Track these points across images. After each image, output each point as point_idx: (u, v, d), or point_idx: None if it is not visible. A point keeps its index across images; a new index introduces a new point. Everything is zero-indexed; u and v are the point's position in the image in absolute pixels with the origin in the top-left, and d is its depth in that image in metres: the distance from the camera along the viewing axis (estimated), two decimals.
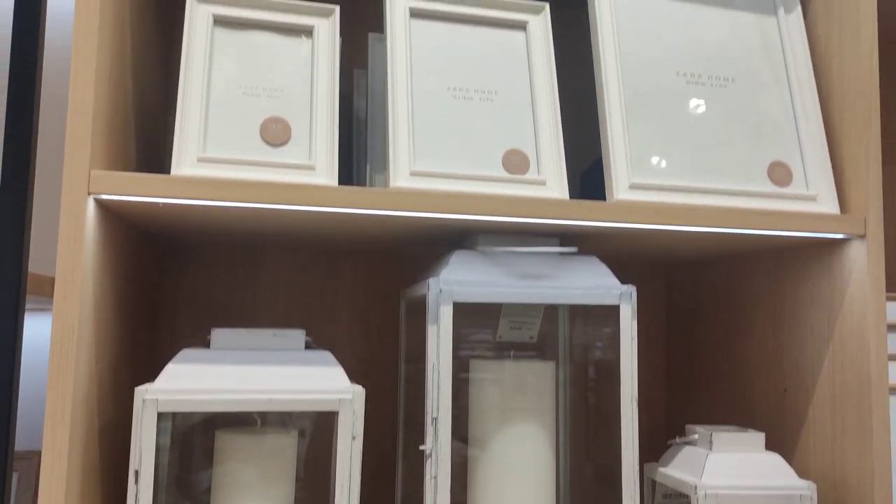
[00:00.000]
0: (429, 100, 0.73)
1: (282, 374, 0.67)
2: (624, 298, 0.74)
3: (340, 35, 0.76)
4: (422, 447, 0.68)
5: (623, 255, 1.01)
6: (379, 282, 1.01)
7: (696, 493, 0.74)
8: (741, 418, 0.93)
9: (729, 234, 0.77)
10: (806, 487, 0.76)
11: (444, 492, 0.67)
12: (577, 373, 0.86)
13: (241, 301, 0.98)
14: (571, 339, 0.87)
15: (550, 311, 0.87)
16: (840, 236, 0.77)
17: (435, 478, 0.67)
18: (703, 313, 1.02)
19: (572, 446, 0.85)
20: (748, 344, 0.93)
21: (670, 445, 0.84)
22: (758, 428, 0.90)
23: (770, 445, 0.87)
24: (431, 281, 0.70)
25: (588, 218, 0.72)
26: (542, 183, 0.73)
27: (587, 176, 0.96)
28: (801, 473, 0.83)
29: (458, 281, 0.71)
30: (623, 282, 1.08)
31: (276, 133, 0.68)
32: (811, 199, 0.79)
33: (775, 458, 0.78)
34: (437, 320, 0.70)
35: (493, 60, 0.77)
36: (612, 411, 0.75)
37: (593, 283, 0.75)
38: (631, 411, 0.73)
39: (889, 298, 1.00)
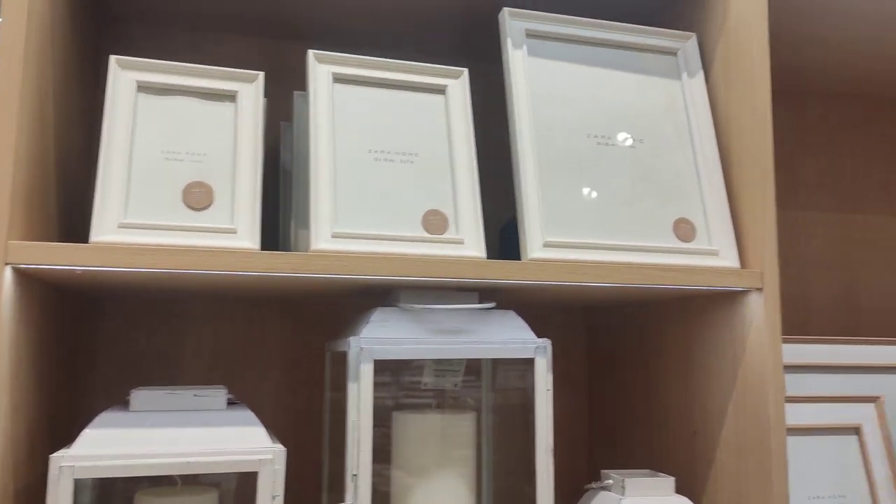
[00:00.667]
0: (351, 162, 0.76)
1: (202, 436, 0.68)
2: (539, 352, 0.77)
3: (266, 89, 0.78)
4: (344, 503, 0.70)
5: (544, 301, 1.05)
6: (307, 333, 1.02)
7: None
8: (657, 461, 0.97)
9: (638, 288, 0.82)
10: None
11: None
12: (498, 422, 0.89)
13: (166, 356, 0.98)
14: (493, 388, 0.90)
15: (473, 360, 0.90)
16: (739, 289, 0.83)
17: None
18: (621, 357, 1.06)
19: (494, 496, 0.88)
20: (661, 388, 0.97)
21: (587, 490, 0.87)
22: (671, 470, 0.94)
23: (682, 488, 0.91)
24: (352, 340, 0.72)
25: (503, 276, 0.75)
26: (461, 242, 0.76)
27: (506, 230, 0.99)
28: None
29: (378, 339, 0.73)
30: (543, 327, 1.12)
31: (198, 197, 0.70)
32: (713, 253, 0.84)
33: (684, 502, 0.82)
34: (357, 378, 0.71)
35: (413, 123, 0.80)
36: (532, 461, 0.78)
37: (510, 337, 0.78)
38: (546, 461, 0.76)
39: (786, 341, 1.06)
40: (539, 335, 1.13)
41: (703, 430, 0.89)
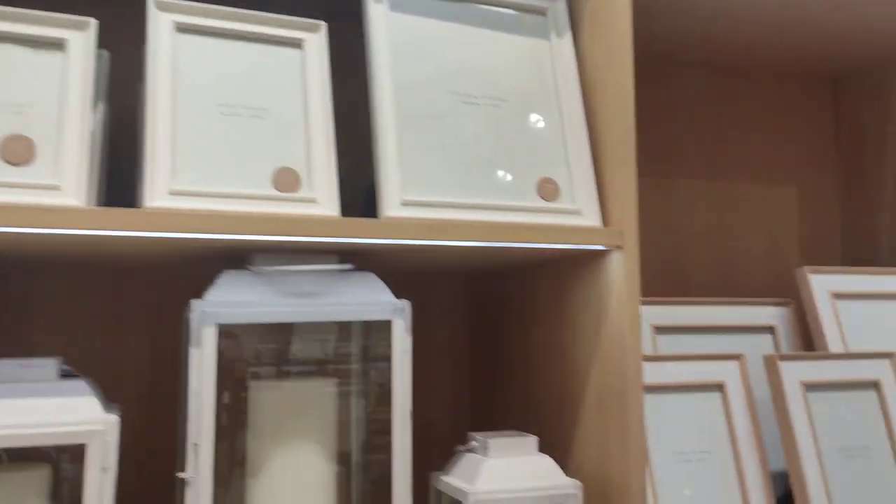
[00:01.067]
0: (194, 117, 0.72)
1: (28, 407, 0.63)
2: (397, 314, 0.75)
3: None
4: (181, 475, 0.66)
5: (421, 268, 1.03)
6: (168, 300, 0.98)
7: (467, 500, 0.76)
8: (531, 422, 0.97)
9: (500, 247, 0.81)
10: (572, 486, 0.80)
11: None
12: (363, 389, 0.87)
13: (18, 329, 0.92)
14: (361, 355, 0.88)
15: (344, 327, 0.87)
16: (601, 247, 0.83)
17: None
18: (501, 323, 1.06)
19: (356, 463, 0.86)
20: (536, 350, 0.97)
21: (455, 454, 0.86)
22: (543, 430, 0.94)
23: (551, 447, 0.91)
24: (194, 303, 0.69)
25: (358, 235, 0.72)
26: (313, 201, 0.73)
27: (369, 194, 0.97)
28: (576, 472, 0.88)
29: (223, 302, 0.70)
30: (426, 296, 1.11)
31: (17, 152, 0.65)
32: (576, 213, 0.83)
33: (545, 461, 0.82)
34: (199, 343, 0.68)
35: (266, 78, 0.76)
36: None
37: (367, 300, 0.76)
38: (403, 425, 0.75)
39: (662, 303, 1.08)
40: (422, 305, 1.13)
41: (571, 390, 0.90)
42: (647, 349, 1.04)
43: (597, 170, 0.87)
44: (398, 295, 1.11)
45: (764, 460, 0.93)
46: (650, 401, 0.92)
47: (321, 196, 0.74)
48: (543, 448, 0.94)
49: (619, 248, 0.82)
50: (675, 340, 1.06)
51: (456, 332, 1.13)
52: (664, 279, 1.24)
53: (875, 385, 0.97)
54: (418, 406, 1.10)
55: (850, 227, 1.36)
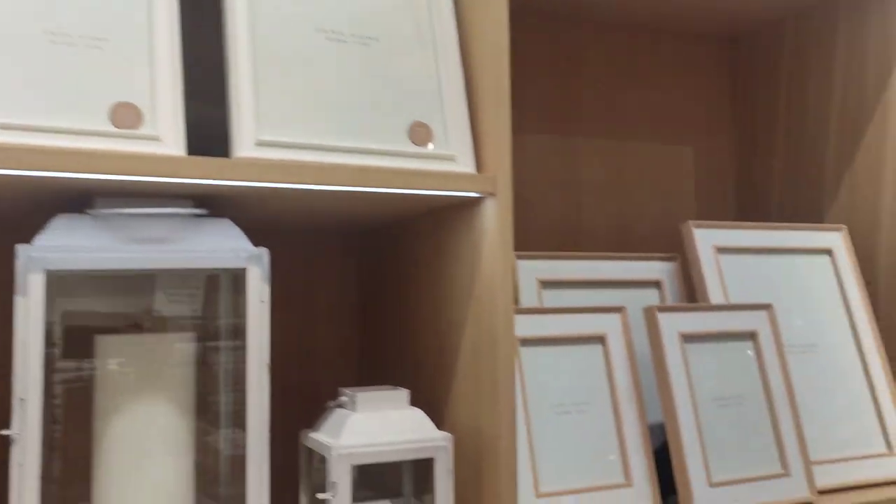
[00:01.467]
0: (18, 43, 0.65)
1: None
2: (253, 261, 0.71)
3: None
4: (6, 432, 0.61)
5: (302, 222, 0.98)
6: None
7: (330, 455, 0.73)
8: (411, 377, 0.95)
9: (368, 194, 0.77)
10: (442, 439, 0.78)
11: (32, 480, 0.61)
12: (220, 343, 0.82)
13: None
14: (223, 307, 0.83)
15: (201, 277, 0.82)
16: (474, 195, 0.80)
17: (21, 465, 0.61)
18: (386, 280, 1.03)
19: (211, 417, 0.82)
20: (416, 304, 0.94)
21: (326, 409, 0.83)
22: (422, 386, 0.92)
23: (429, 402, 0.89)
24: (20, 248, 0.63)
25: (206, 176, 0.68)
26: (156, 139, 0.68)
27: None
28: (451, 426, 0.86)
29: (52, 247, 0.64)
30: (308, 255, 1.06)
31: None
32: (449, 159, 0.80)
33: (416, 414, 0.80)
34: (25, 291, 0.62)
35: (105, 4, 0.70)
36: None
37: (220, 247, 0.71)
38: (260, 377, 0.71)
39: (549, 257, 1.06)
40: (307, 264, 1.08)
41: (448, 343, 0.87)
42: (533, 304, 1.02)
43: (472, 116, 0.83)
44: (280, 253, 1.07)
45: (642, 412, 0.93)
46: (530, 354, 0.91)
47: (165, 134, 0.68)
48: (422, 403, 0.91)
49: (491, 195, 0.79)
50: (561, 295, 1.04)
51: (343, 292, 1.10)
52: (560, 236, 1.23)
53: (752, 336, 0.98)
54: (303, 367, 1.07)
55: (743, 186, 1.38)
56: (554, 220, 1.24)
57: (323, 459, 0.78)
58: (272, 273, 1.06)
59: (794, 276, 1.09)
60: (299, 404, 1.03)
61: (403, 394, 0.80)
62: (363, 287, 1.09)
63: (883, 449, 1.04)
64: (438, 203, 0.85)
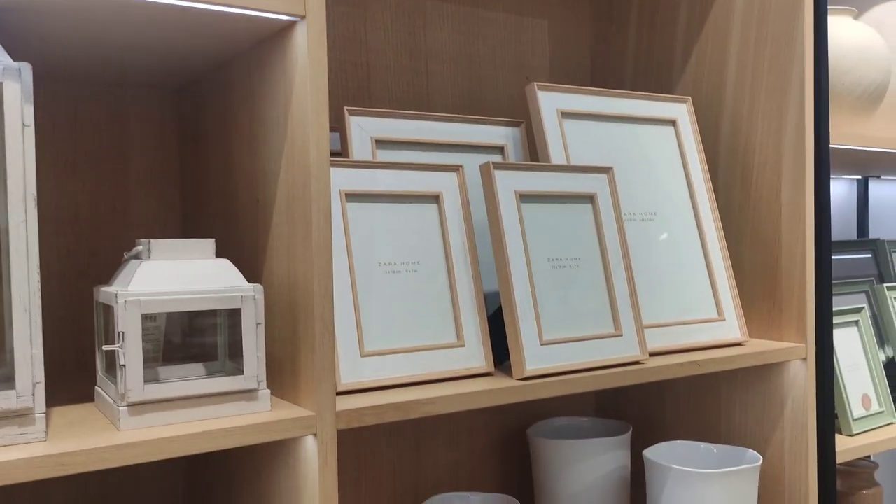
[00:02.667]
0: None
1: None
2: (8, 75, 0.61)
3: None
4: None
5: (113, 73, 0.87)
6: None
7: (116, 302, 0.65)
8: (231, 234, 0.87)
9: (157, 8, 0.67)
10: (250, 289, 0.72)
11: None
12: None
13: None
14: None
15: None
16: (283, 17, 0.71)
17: None
18: (209, 135, 0.93)
19: None
20: (238, 158, 0.86)
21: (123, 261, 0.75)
22: (238, 240, 0.85)
23: (248, 256, 0.82)
24: None
25: None
26: None
27: None
28: (267, 280, 0.79)
29: None
30: (122, 111, 0.95)
31: None
32: None
33: (222, 264, 0.73)
34: None
35: None
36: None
37: None
38: (24, 211, 0.61)
39: (391, 115, 0.99)
40: (125, 120, 0.97)
41: (264, 194, 0.80)
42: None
43: None
44: (90, 107, 0.95)
45: (477, 273, 0.89)
46: (359, 209, 0.85)
47: None
48: (240, 259, 0.84)
49: (302, 18, 0.71)
50: (398, 156, 0.98)
51: (163, 154, 1.00)
52: (411, 101, 1.16)
53: (591, 199, 0.96)
54: (117, 232, 0.97)
55: (598, 59, 1.35)
56: (401, 87, 1.17)
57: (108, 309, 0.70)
58: (80, 128, 0.94)
59: (638, 144, 1.08)
60: (115, 267, 0.94)
61: (207, 244, 0.73)
62: (184, 145, 0.99)
63: (714, 315, 1.06)
64: (250, 33, 0.76)
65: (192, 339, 0.78)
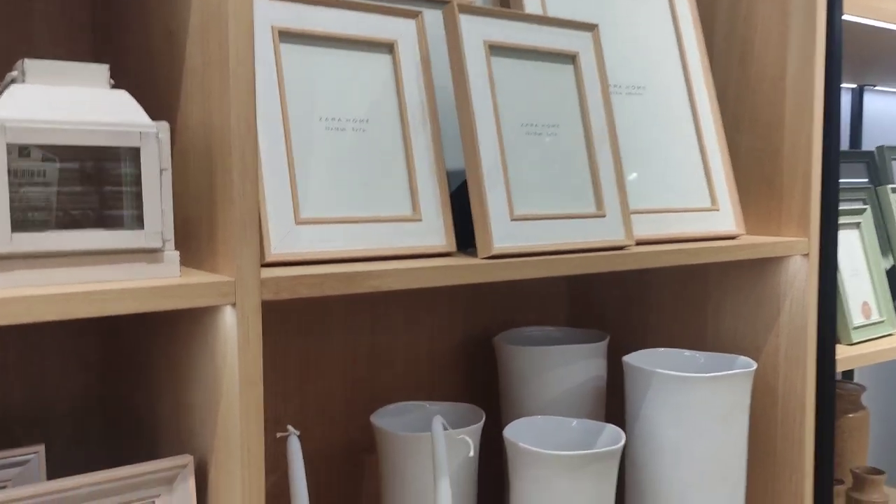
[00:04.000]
0: None
1: None
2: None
3: None
4: None
5: None
6: None
7: None
8: (147, 80, 0.73)
9: None
10: (153, 126, 0.58)
11: None
12: None
13: None
14: None
15: None
16: None
17: None
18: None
19: None
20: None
21: None
22: (154, 81, 0.71)
23: (161, 101, 0.68)
24: None
25: None
26: None
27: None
28: (182, 122, 0.65)
29: None
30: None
31: None
32: None
33: (120, 95, 0.59)
34: None
35: None
36: None
37: None
38: None
39: None
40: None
41: (178, 25, 0.66)
42: None
43: None
44: None
45: (437, 137, 0.76)
46: (299, 52, 0.71)
47: None
48: (159, 106, 0.70)
49: None
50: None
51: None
52: None
53: (572, 59, 0.83)
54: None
55: None
56: None
57: None
58: None
59: (626, 9, 0.94)
60: None
61: (99, 69, 0.59)
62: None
63: (707, 203, 0.94)
64: None
65: (89, 195, 0.64)
